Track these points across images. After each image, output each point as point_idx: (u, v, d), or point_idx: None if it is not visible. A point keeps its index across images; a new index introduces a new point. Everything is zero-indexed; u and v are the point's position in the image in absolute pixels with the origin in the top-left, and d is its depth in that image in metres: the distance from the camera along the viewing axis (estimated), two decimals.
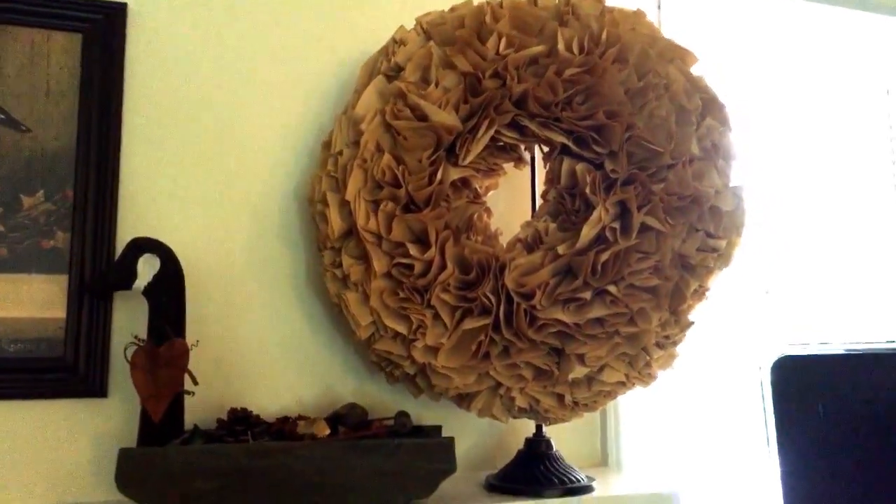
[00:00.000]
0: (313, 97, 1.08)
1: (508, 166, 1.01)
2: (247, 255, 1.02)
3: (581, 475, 0.99)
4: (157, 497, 0.82)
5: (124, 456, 0.82)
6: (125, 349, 0.86)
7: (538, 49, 0.88)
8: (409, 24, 1.02)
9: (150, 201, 0.98)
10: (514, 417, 0.95)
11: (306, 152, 1.07)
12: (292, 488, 0.84)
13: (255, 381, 1.00)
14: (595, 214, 0.86)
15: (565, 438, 1.09)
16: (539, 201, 1.02)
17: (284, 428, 0.91)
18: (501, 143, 0.94)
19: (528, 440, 1.02)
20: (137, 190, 0.98)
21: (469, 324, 0.87)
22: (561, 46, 0.88)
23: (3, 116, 0.93)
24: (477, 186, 0.95)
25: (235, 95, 1.04)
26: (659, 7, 1.26)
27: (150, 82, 1.00)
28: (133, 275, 0.87)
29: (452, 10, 0.96)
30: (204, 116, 1.02)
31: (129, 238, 0.94)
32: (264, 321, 1.02)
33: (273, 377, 1.02)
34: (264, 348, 1.02)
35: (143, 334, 0.94)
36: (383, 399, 1.05)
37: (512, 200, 1.11)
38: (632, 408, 1.17)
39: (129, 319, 0.96)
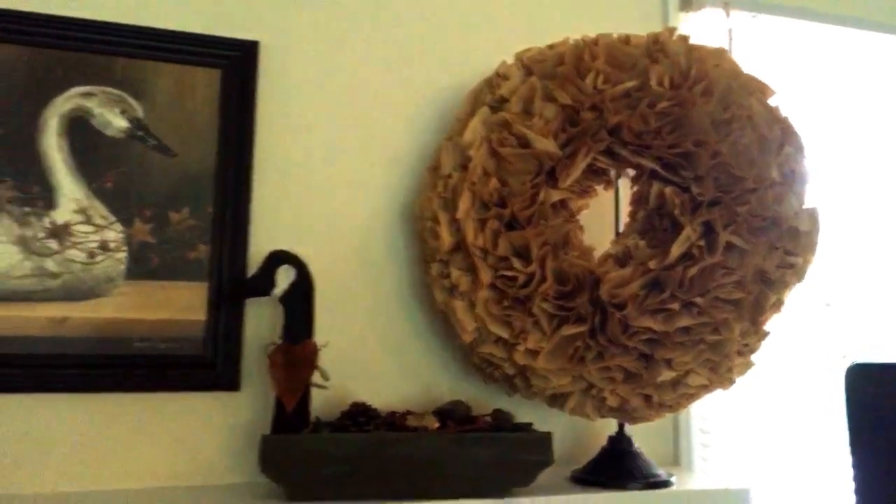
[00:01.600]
0: (414, 124, 1.20)
1: (598, 188, 1.11)
2: (357, 267, 1.14)
3: (661, 471, 1.08)
4: (294, 478, 0.94)
5: (266, 442, 0.94)
6: (267, 348, 0.99)
7: (632, 84, 0.98)
8: (498, 58, 1.14)
9: (277, 218, 1.11)
10: (603, 417, 1.05)
11: (408, 174, 1.19)
12: (407, 473, 0.95)
13: (364, 380, 1.11)
14: (684, 233, 0.95)
15: (640, 438, 1.18)
16: (623, 220, 1.12)
17: (397, 421, 1.02)
18: (594, 168, 1.04)
19: (611, 438, 1.11)
20: (267, 208, 1.11)
21: (567, 330, 0.97)
22: (653, 82, 0.98)
23: (155, 143, 1.06)
24: (572, 207, 1.05)
25: (349, 122, 1.16)
26: (730, 39, 1.35)
27: (277, 111, 1.13)
28: (272, 283, 1.00)
29: (550, 47, 1.07)
30: (323, 142, 1.15)
31: (259, 250, 1.07)
32: (372, 326, 1.14)
33: (378, 377, 1.13)
34: (372, 351, 1.13)
35: (270, 337, 1.07)
36: (475, 398, 1.15)
37: (589, 218, 1.21)
38: (703, 410, 1.26)
39: (257, 323, 1.08)
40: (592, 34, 1.10)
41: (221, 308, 1.06)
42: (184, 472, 1.03)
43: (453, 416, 1.03)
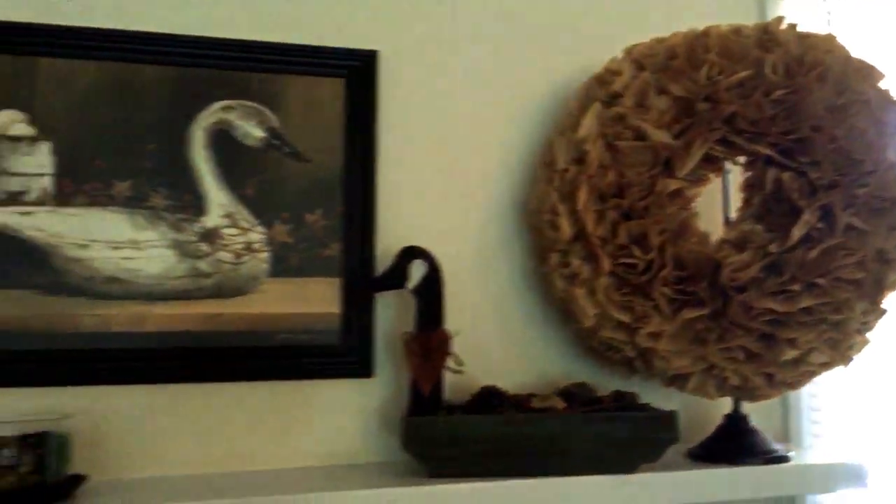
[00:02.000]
0: (523, 122, 1.25)
1: (711, 176, 1.14)
2: (474, 260, 1.21)
3: (778, 446, 1.11)
4: (434, 456, 1.01)
5: (408, 424, 1.01)
6: (403, 336, 1.06)
7: (746, 74, 1.02)
8: (599, 53, 1.19)
9: (400, 216, 1.18)
10: (723, 396, 1.09)
11: (518, 170, 1.24)
12: (540, 451, 1.01)
13: (484, 365, 1.16)
14: (803, 217, 0.98)
15: (751, 416, 1.21)
16: (733, 205, 1.15)
17: (523, 402, 1.08)
18: (709, 157, 1.07)
19: (727, 416, 1.15)
20: (391, 207, 1.18)
21: (688, 313, 1.01)
22: (767, 70, 1.01)
23: (290, 150, 1.15)
24: (687, 195, 1.09)
25: (462, 123, 1.22)
26: (829, 23, 1.36)
27: (397, 115, 1.20)
28: (406, 277, 1.07)
29: (660, 41, 1.11)
30: (439, 142, 1.21)
31: (384, 246, 1.15)
32: (489, 315, 1.20)
33: (498, 362, 1.19)
34: (490, 338, 1.19)
35: (397, 327, 1.15)
36: (590, 381, 1.20)
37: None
38: (812, 388, 1.28)
39: (386, 314, 1.16)
40: (689, 26, 1.14)
41: (354, 301, 1.14)
42: (325, 453, 1.12)
43: (578, 397, 1.08)
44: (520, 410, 1.05)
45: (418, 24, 1.23)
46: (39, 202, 1.05)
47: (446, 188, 1.21)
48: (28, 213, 1.05)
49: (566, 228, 1.08)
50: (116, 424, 1.04)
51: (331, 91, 1.18)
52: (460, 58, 1.24)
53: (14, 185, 1.05)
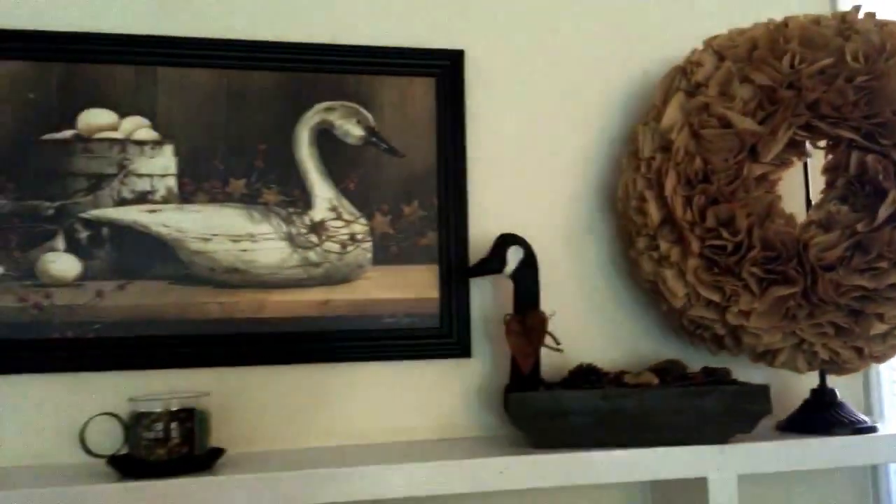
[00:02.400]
0: (605, 112, 1.31)
1: (794, 160, 1.19)
2: (561, 245, 1.27)
3: (865, 418, 1.16)
4: (537, 428, 1.08)
5: (512, 398, 1.08)
6: (504, 318, 1.13)
7: (828, 62, 1.06)
8: (675, 45, 1.25)
9: (490, 204, 1.25)
10: (813, 370, 1.14)
11: (601, 158, 1.30)
12: (638, 424, 1.08)
13: (574, 345, 1.22)
14: (889, 197, 1.03)
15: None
16: (813, 187, 1.20)
17: (617, 379, 1.15)
18: (792, 141, 1.12)
19: (814, 390, 1.20)
20: (481, 197, 1.25)
21: (777, 291, 1.07)
22: (848, 58, 1.06)
23: (386, 147, 1.23)
24: (772, 178, 1.14)
25: (548, 115, 1.29)
26: None
27: (484, 110, 1.27)
28: (504, 262, 1.14)
29: (740, 33, 1.16)
30: (525, 134, 1.28)
31: (477, 234, 1.22)
32: (578, 297, 1.27)
33: (587, 342, 1.25)
34: (579, 319, 1.26)
35: (492, 310, 1.22)
36: (677, 358, 1.26)
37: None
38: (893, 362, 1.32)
39: (481, 298, 1.24)
40: (763, 18, 1.18)
41: (451, 286, 1.22)
42: (429, 428, 1.20)
43: (670, 373, 1.14)
44: (616, 386, 1.12)
45: (502, 21, 1.30)
46: (165, 200, 1.15)
47: (533, 178, 1.27)
48: (155, 211, 1.14)
49: (654, 214, 1.13)
50: (242, 402, 1.13)
51: (423, 89, 1.25)
52: (543, 53, 1.30)
53: (142, 185, 1.14)
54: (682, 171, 1.11)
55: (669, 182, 1.11)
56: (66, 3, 1.15)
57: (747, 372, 1.23)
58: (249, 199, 1.17)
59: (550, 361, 1.18)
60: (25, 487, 0.92)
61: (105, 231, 1.12)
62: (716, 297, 1.10)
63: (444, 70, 1.26)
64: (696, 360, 1.24)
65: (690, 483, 1.11)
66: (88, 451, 0.98)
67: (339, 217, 1.20)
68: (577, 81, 1.31)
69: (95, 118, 1.14)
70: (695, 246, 1.10)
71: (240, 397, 1.13)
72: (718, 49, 1.15)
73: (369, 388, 1.19)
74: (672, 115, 1.15)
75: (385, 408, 1.19)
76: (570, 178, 1.29)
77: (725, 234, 1.09)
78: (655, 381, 1.12)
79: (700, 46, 1.20)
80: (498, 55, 1.29)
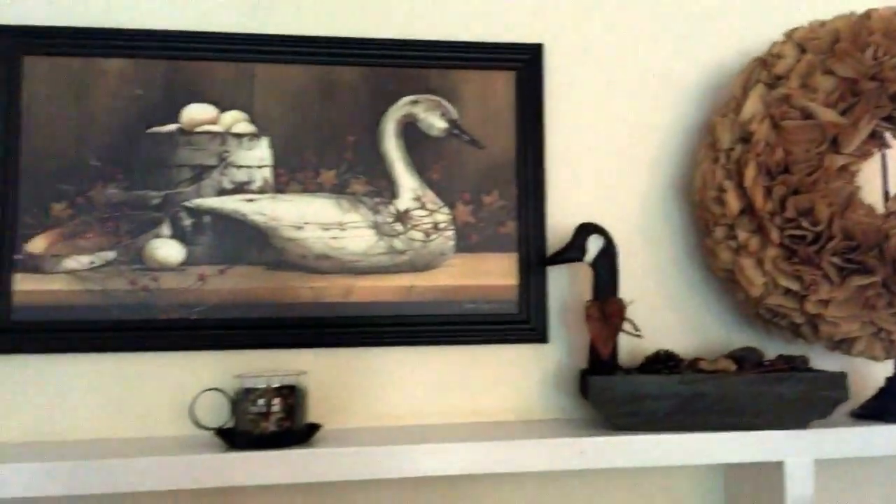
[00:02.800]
0: (681, 104, 1.33)
1: (874, 150, 1.20)
2: (637, 234, 1.30)
3: None
4: (617, 412, 1.12)
5: (592, 382, 1.12)
6: (585, 304, 1.17)
7: None
8: (755, 39, 1.28)
9: (567, 194, 1.29)
10: (891, 358, 1.15)
11: (676, 149, 1.33)
12: (717, 409, 1.10)
13: (649, 332, 1.26)
14: None
15: None
16: (892, 178, 1.20)
17: (694, 365, 1.17)
18: (873, 133, 1.13)
19: (889, 378, 1.21)
20: (559, 187, 1.29)
21: (857, 281, 1.08)
22: None
23: (468, 139, 1.27)
24: (852, 169, 1.15)
25: (623, 107, 1.32)
26: None
27: (562, 102, 1.30)
28: (585, 251, 1.18)
29: (821, 25, 1.17)
30: (602, 126, 1.31)
31: (554, 223, 1.26)
32: (652, 285, 1.30)
33: (662, 329, 1.28)
34: (654, 307, 1.29)
35: (568, 297, 1.26)
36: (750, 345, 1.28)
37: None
38: None
39: (557, 285, 1.28)
40: (842, 10, 1.19)
41: (530, 273, 1.26)
42: (508, 410, 1.24)
43: (747, 360, 1.17)
44: (693, 372, 1.14)
45: (580, 15, 1.33)
46: (261, 190, 1.21)
47: (610, 169, 1.31)
48: (252, 200, 1.21)
49: (733, 204, 1.16)
50: (331, 382, 1.19)
51: (503, 83, 1.29)
52: (620, 45, 1.33)
53: (240, 176, 1.21)
54: (763, 162, 1.13)
55: (749, 173, 1.13)
56: (171, 4, 1.22)
57: (822, 360, 1.25)
58: (339, 190, 1.23)
59: (626, 348, 1.23)
60: (141, 456, 1.00)
61: (206, 219, 1.19)
62: (795, 286, 1.12)
63: (524, 64, 1.29)
64: (770, 348, 1.26)
65: (766, 467, 1.13)
66: (198, 424, 1.06)
67: (422, 206, 1.25)
68: (654, 74, 1.33)
69: (197, 113, 1.21)
70: (774, 235, 1.12)
71: (329, 377, 1.20)
72: (800, 41, 1.17)
73: (450, 371, 1.24)
74: (752, 106, 1.16)
75: (464, 390, 1.24)
76: (646, 168, 1.32)
77: (805, 224, 1.10)
78: (733, 367, 1.15)
79: (780, 38, 1.21)
80: (576, 48, 1.32)
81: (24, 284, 1.13)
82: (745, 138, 1.16)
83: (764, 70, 1.19)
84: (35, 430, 1.13)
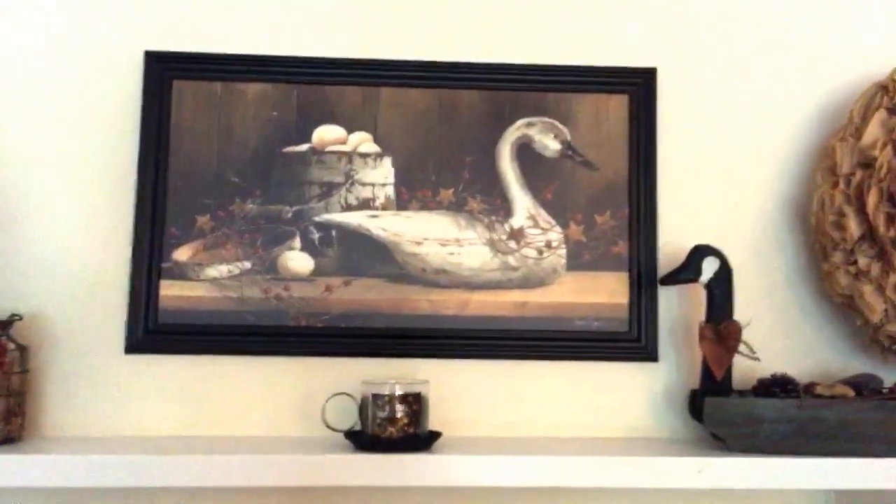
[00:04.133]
0: (796, 126, 1.34)
1: None
2: (750, 257, 1.30)
3: None
4: (733, 433, 1.12)
5: (709, 403, 1.13)
6: (699, 325, 1.19)
7: None
8: (872, 63, 1.28)
9: (679, 216, 1.31)
10: None
11: (791, 172, 1.33)
12: (831, 436, 1.10)
13: (765, 355, 1.23)
14: None
15: None
16: None
17: (809, 389, 1.17)
18: None
19: None
20: (671, 208, 1.31)
21: None
22: None
23: (581, 160, 1.31)
24: None
25: (737, 129, 1.33)
26: None
27: (675, 124, 1.32)
28: (700, 272, 1.20)
29: None
30: (715, 148, 1.33)
31: (666, 244, 1.29)
32: (765, 309, 1.29)
33: (775, 353, 1.26)
34: (766, 330, 1.27)
35: (679, 317, 1.28)
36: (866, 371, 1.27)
37: None
38: None
39: (668, 305, 1.29)
40: None
41: (641, 293, 1.28)
42: (616, 427, 1.26)
43: (865, 386, 1.16)
44: (810, 396, 1.14)
45: (694, 39, 1.35)
46: (384, 207, 1.28)
47: (723, 191, 1.32)
48: (375, 216, 1.28)
49: (853, 229, 1.15)
50: (447, 392, 1.24)
51: (617, 106, 1.32)
52: (734, 67, 1.35)
53: (365, 193, 1.28)
54: (886, 188, 1.13)
55: (872, 198, 1.13)
56: (303, 34, 1.31)
57: None
58: (456, 207, 1.29)
59: (737, 370, 1.22)
60: (275, 454, 1.07)
61: (334, 233, 1.27)
62: None
63: (638, 87, 1.32)
64: (888, 376, 1.24)
65: (881, 495, 1.12)
66: (328, 426, 1.12)
67: (536, 225, 1.29)
68: (768, 97, 1.34)
69: (327, 133, 1.29)
70: None
71: (445, 387, 1.24)
72: None
73: (561, 386, 1.27)
74: (874, 132, 1.16)
75: (575, 405, 1.27)
76: (759, 191, 1.33)
77: None
78: (851, 393, 1.14)
79: None
80: (690, 71, 1.34)
81: (170, 290, 1.23)
82: (867, 164, 1.16)
83: (885, 95, 1.18)
84: (175, 425, 1.22)
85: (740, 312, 1.23)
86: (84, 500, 1.19)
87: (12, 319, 1.13)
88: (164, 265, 1.23)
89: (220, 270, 1.24)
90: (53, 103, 1.27)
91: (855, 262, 1.16)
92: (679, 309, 1.29)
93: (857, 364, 1.28)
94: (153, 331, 1.22)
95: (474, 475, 1.07)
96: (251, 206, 1.26)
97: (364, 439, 1.10)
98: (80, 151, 1.26)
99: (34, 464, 1.03)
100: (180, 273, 1.24)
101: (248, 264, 1.25)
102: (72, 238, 1.25)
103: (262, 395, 1.23)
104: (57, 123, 1.27)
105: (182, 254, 1.24)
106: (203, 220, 1.25)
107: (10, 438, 1.10)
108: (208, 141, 1.27)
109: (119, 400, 1.22)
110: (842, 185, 1.18)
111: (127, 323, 1.22)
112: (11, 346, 1.11)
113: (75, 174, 1.26)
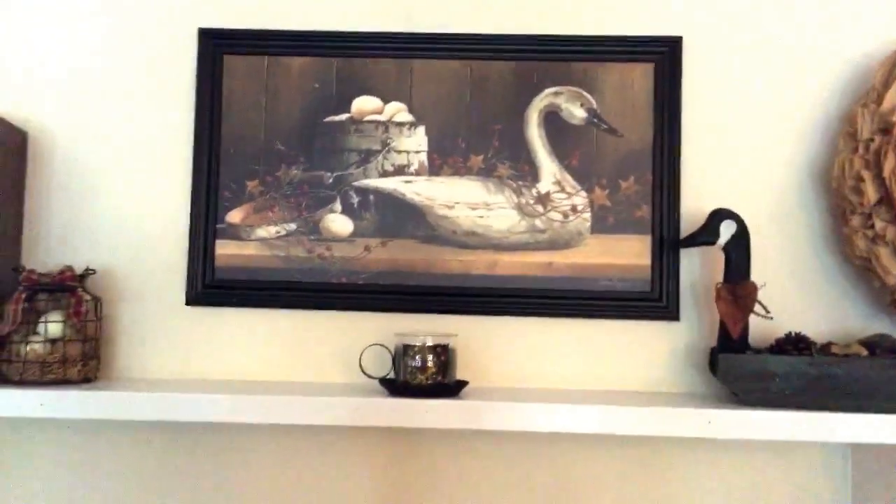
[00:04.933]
0: (819, 93, 1.36)
1: None
2: (773, 219, 1.34)
3: None
4: (745, 388, 1.18)
5: (722, 359, 1.19)
6: (716, 286, 1.24)
7: None
8: (891, 31, 1.27)
9: (703, 181, 1.35)
10: None
11: (815, 137, 1.35)
12: (842, 392, 1.14)
13: (782, 316, 1.28)
14: None
15: None
16: None
17: (825, 348, 1.21)
18: None
19: None
20: (694, 174, 1.35)
21: None
22: None
23: (606, 127, 1.36)
24: None
25: (761, 96, 1.36)
26: None
27: (700, 92, 1.36)
28: (717, 235, 1.24)
29: None
30: (739, 115, 1.36)
31: (688, 208, 1.33)
32: (787, 270, 1.34)
33: (795, 314, 1.31)
34: (787, 291, 1.32)
35: (700, 278, 1.34)
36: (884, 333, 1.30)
37: None
38: None
39: (689, 267, 1.35)
40: None
41: (663, 255, 1.34)
42: (637, 381, 1.33)
43: (879, 346, 1.19)
44: (824, 355, 1.19)
45: (719, 6, 1.38)
46: (417, 173, 1.37)
47: (745, 156, 1.36)
48: (410, 182, 1.37)
49: (871, 193, 1.18)
50: (476, 345, 1.33)
51: (642, 74, 1.37)
52: (758, 36, 1.37)
53: (400, 159, 1.37)
54: None
55: (889, 164, 1.15)
56: (342, 10, 1.39)
57: None
58: (486, 173, 1.36)
59: (757, 329, 1.28)
60: (324, 395, 1.18)
61: (371, 197, 1.36)
62: None
63: (663, 56, 1.36)
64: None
65: (894, 451, 1.16)
66: (365, 373, 1.23)
67: (562, 190, 1.36)
68: (792, 64, 1.36)
69: (365, 104, 1.38)
70: None
71: (475, 341, 1.33)
72: None
73: (585, 342, 1.34)
74: (893, 98, 1.18)
75: (598, 360, 1.34)
76: (782, 156, 1.36)
77: None
78: (864, 352, 1.18)
79: None
80: (715, 39, 1.37)
81: (224, 249, 1.35)
82: (886, 129, 1.18)
83: None
84: (230, 370, 1.35)
85: (762, 274, 1.28)
86: (149, 432, 1.34)
87: (87, 273, 1.27)
88: (218, 226, 1.35)
89: (268, 231, 1.35)
90: (118, 80, 1.40)
91: (872, 226, 1.19)
92: (701, 270, 1.35)
93: (877, 325, 1.32)
94: (210, 286, 1.34)
95: (497, 420, 1.16)
96: (296, 171, 1.37)
97: (397, 385, 1.20)
98: (143, 123, 1.39)
99: (109, 399, 1.17)
100: (233, 233, 1.35)
101: (293, 226, 1.36)
102: (137, 202, 1.38)
103: (308, 346, 1.35)
104: (121, 98, 1.39)
105: (234, 216, 1.36)
106: (252, 185, 1.36)
107: (88, 378, 1.25)
108: (256, 111, 1.37)
109: (180, 347, 1.35)
110: (861, 151, 1.21)
111: (187, 278, 1.35)
112: (87, 297, 1.25)
113: (139, 144, 1.39)
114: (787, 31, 1.37)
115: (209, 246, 1.35)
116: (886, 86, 1.21)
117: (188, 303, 1.35)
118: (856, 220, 1.22)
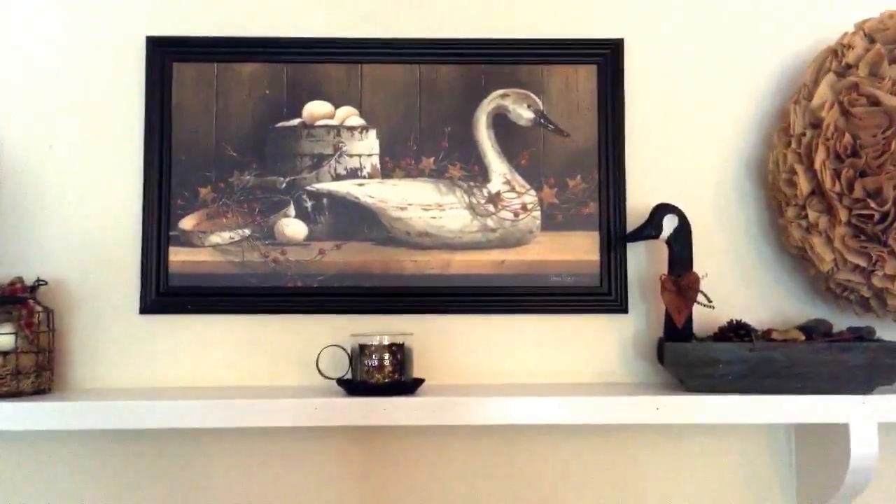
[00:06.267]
0: (754, 91, 1.42)
1: None
2: (712, 213, 1.40)
3: None
4: (689, 374, 1.23)
5: (668, 347, 1.24)
6: (660, 278, 1.29)
7: None
8: (828, 29, 1.34)
9: (647, 178, 1.39)
10: None
11: (751, 133, 1.41)
12: (782, 376, 1.20)
13: (723, 305, 1.33)
14: None
15: None
16: None
17: (766, 334, 1.27)
18: None
19: None
20: (638, 171, 1.40)
21: None
22: None
23: (553, 127, 1.40)
24: None
25: (701, 94, 1.41)
26: None
27: (641, 92, 1.41)
28: (660, 229, 1.29)
29: (891, 16, 1.24)
30: (679, 113, 1.41)
31: (634, 204, 1.38)
32: (726, 261, 1.39)
33: (735, 303, 1.36)
34: (727, 281, 1.38)
35: (647, 272, 1.38)
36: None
37: None
38: None
39: (637, 260, 1.39)
40: None
41: (611, 250, 1.38)
42: (589, 373, 1.38)
43: (816, 330, 1.25)
44: (766, 341, 1.24)
45: (658, 8, 1.43)
46: (370, 176, 1.39)
47: (686, 153, 1.41)
48: (362, 185, 1.39)
49: (804, 185, 1.24)
50: (431, 344, 1.35)
51: (585, 76, 1.41)
52: (698, 36, 1.43)
53: (352, 163, 1.39)
54: (832, 146, 1.21)
55: (819, 156, 1.22)
56: (292, 16, 1.40)
57: (890, 333, 1.30)
58: (437, 175, 1.39)
59: (701, 319, 1.33)
60: (281, 398, 1.19)
61: (325, 201, 1.38)
62: (862, 262, 1.20)
63: (605, 58, 1.41)
64: (842, 322, 1.33)
65: (833, 429, 1.22)
66: (322, 374, 1.24)
67: (512, 189, 1.39)
68: (729, 64, 1.42)
69: (316, 108, 1.39)
70: (843, 215, 1.20)
71: (431, 339, 1.35)
72: (870, 32, 1.24)
73: (538, 337, 1.38)
74: (823, 94, 1.24)
75: (550, 354, 1.38)
76: (722, 152, 1.41)
77: (872, 204, 1.18)
78: (802, 337, 1.24)
79: (851, 30, 1.28)
80: (655, 41, 1.43)
81: (177, 256, 1.35)
82: (816, 124, 1.25)
83: (835, 60, 1.26)
84: (186, 377, 1.35)
85: (704, 266, 1.33)
86: (103, 441, 1.33)
87: (38, 284, 1.26)
88: (171, 233, 1.35)
89: (222, 237, 1.36)
90: (65, 89, 1.38)
91: (806, 217, 1.25)
92: (647, 264, 1.39)
93: (813, 311, 1.38)
94: (164, 293, 1.34)
95: (454, 415, 1.19)
96: (248, 177, 1.37)
97: (355, 385, 1.22)
98: (92, 132, 1.38)
99: (62, 410, 1.17)
100: (186, 240, 1.36)
101: (247, 231, 1.36)
102: (88, 211, 1.37)
103: (264, 350, 1.36)
104: (69, 108, 1.38)
105: (187, 223, 1.36)
106: (205, 192, 1.37)
107: (42, 390, 1.24)
108: (207, 118, 1.38)
109: (135, 356, 1.35)
110: (794, 145, 1.27)
111: (140, 287, 1.34)
112: (38, 308, 1.24)
113: (88, 153, 1.38)
114: (724, 32, 1.43)
115: (162, 253, 1.34)
116: (816, 83, 1.28)
117: (142, 311, 1.34)
118: (790, 212, 1.28)
